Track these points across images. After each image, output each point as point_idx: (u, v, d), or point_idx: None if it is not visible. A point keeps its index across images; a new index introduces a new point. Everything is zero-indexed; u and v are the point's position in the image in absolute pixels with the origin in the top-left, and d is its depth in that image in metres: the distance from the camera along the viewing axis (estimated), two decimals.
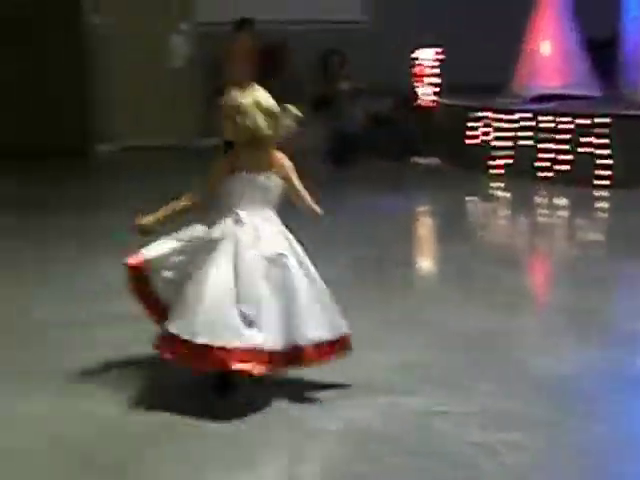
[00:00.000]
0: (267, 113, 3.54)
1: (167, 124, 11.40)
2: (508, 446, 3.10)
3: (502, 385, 3.65)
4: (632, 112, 8.28)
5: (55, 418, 3.41)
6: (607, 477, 2.99)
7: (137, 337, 4.01)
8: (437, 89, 10.13)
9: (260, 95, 3.58)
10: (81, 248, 6.15)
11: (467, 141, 9.28)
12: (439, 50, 10.07)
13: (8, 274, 5.55)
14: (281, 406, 3.47)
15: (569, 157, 8.32)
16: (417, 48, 10.21)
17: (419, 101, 10.24)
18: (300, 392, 3.58)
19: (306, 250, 3.65)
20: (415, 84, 10.30)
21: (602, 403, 3.49)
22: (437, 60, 10.12)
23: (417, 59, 10.26)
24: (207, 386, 3.54)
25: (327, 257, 5.78)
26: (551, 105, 8.82)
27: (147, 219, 3.65)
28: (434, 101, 10.13)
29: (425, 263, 6.24)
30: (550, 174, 8.42)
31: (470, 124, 9.24)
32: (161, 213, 3.66)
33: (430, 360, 3.96)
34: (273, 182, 3.61)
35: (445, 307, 4.79)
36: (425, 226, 7.57)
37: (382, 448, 3.13)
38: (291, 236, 3.63)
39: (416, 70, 10.30)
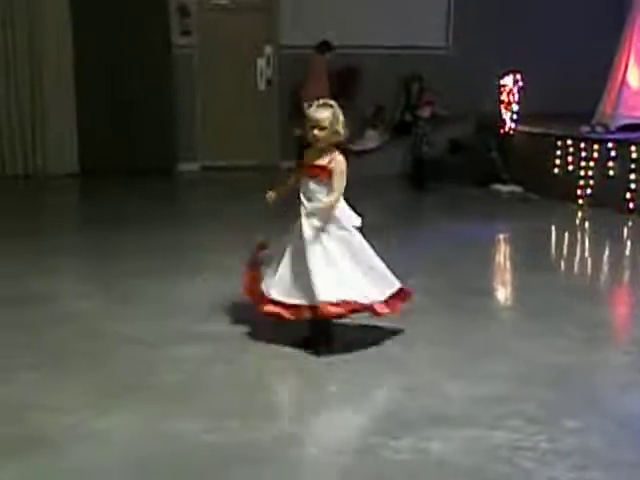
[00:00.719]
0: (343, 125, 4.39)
1: (250, 145, 11.55)
2: None
3: (586, 422, 3.54)
4: None
5: (136, 436, 3.44)
6: None
7: (217, 355, 4.02)
8: (518, 116, 10.01)
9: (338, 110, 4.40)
10: (163, 265, 6.25)
11: (552, 169, 9.14)
12: (520, 76, 9.96)
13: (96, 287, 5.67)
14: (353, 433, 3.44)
15: None
16: (501, 74, 10.13)
17: (504, 128, 10.14)
18: (375, 419, 3.54)
19: None
20: (500, 110, 10.20)
21: None
22: (518, 87, 10.01)
23: (502, 85, 10.17)
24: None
25: (407, 285, 5.79)
26: (637, 134, 8.64)
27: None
28: (516, 128, 10.01)
29: (506, 293, 6.13)
30: (638, 205, 8.22)
31: (555, 152, 9.11)
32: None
33: (512, 393, 3.87)
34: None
35: (527, 339, 4.69)
36: (504, 254, 7.45)
37: None
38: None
39: (501, 96, 10.21)
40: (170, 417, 3.59)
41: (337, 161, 4.42)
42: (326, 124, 4.38)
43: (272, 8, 11.60)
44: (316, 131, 4.40)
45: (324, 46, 10.76)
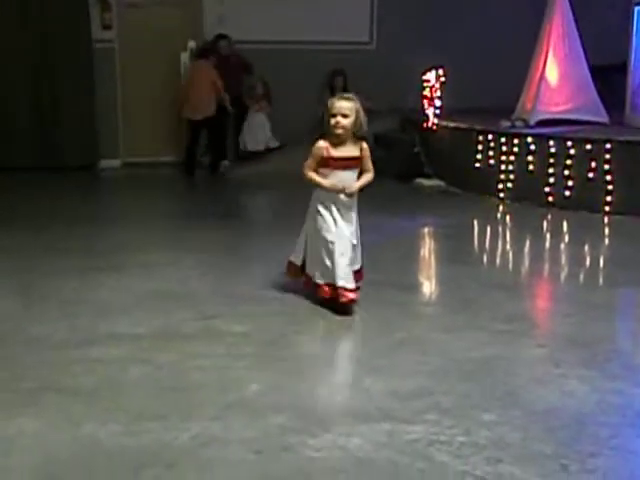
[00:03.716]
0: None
1: (172, 141, 11.42)
2: (505, 479, 3.04)
3: (503, 416, 3.59)
4: (638, 138, 8.24)
5: (44, 441, 3.36)
6: None
7: (134, 355, 3.95)
8: (440, 111, 10.11)
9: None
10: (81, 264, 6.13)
11: (473, 164, 9.26)
12: (443, 72, 10.06)
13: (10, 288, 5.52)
14: (273, 431, 3.42)
15: (576, 182, 8.29)
16: (424, 70, 10.21)
17: (427, 123, 10.22)
18: (296, 416, 3.53)
19: None
20: (423, 105, 10.28)
21: (605, 438, 3.42)
22: (440, 82, 10.11)
23: (425, 80, 10.25)
24: None
25: None
26: (559, 130, 8.80)
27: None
28: (439, 123, 10.11)
29: (428, 287, 6.18)
30: (557, 199, 8.39)
31: (476, 147, 9.22)
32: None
33: (430, 387, 3.90)
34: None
35: (447, 333, 4.73)
36: (428, 249, 7.52)
37: (380, 478, 3.07)
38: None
39: (423, 92, 10.28)
40: (82, 420, 3.51)
41: (364, 147, 4.95)
42: (348, 112, 4.76)
43: (196, 3, 11.48)
44: (340, 118, 4.76)
45: (206, 51, 10.81)
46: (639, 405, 3.73)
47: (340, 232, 4.96)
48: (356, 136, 4.89)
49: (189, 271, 6.02)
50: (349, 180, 4.95)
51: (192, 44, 11.25)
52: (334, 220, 4.97)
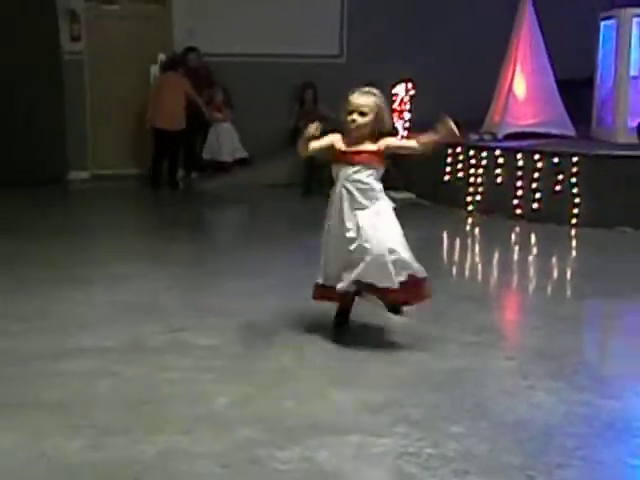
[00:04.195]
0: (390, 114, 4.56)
1: (141, 153, 11.37)
2: None
3: (471, 428, 3.59)
4: (605, 152, 8.34)
5: (8, 456, 3.31)
6: None
7: (102, 369, 3.91)
8: (410, 124, 10.15)
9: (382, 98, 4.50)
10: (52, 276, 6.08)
11: (442, 177, 9.31)
12: (412, 85, 10.12)
13: None
14: (241, 445, 3.39)
15: (544, 195, 8.36)
16: (393, 83, 10.25)
17: (396, 136, 10.24)
18: (264, 429, 3.51)
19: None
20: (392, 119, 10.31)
21: (572, 449, 3.43)
22: (410, 95, 10.16)
23: (395, 94, 10.29)
24: None
25: (298, 290, 5.79)
26: (526, 143, 8.88)
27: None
28: (407, 136, 10.13)
29: None
30: (525, 211, 8.45)
31: (445, 160, 9.27)
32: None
33: (399, 399, 3.90)
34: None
35: (417, 345, 4.73)
36: None
37: None
38: None
39: (393, 105, 10.32)
40: (48, 435, 3.46)
41: (388, 140, 4.47)
42: (366, 110, 4.31)
43: (165, 16, 11.46)
44: (355, 115, 4.33)
45: (172, 62, 10.80)
46: (606, 416, 3.75)
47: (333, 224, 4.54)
48: (379, 134, 4.41)
49: (157, 284, 5.99)
50: (357, 180, 4.41)
51: (162, 57, 11.23)
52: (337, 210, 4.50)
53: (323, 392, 3.98)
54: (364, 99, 4.36)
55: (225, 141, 11.19)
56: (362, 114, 4.33)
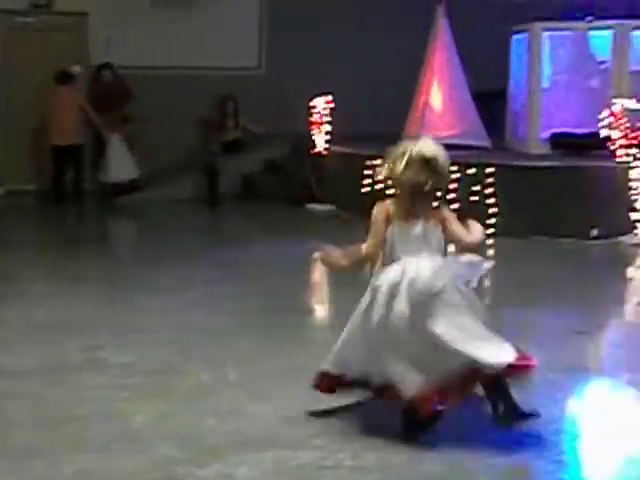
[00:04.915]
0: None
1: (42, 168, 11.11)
2: None
3: (391, 438, 3.60)
4: (519, 163, 8.54)
5: None
6: None
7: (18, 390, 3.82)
8: (330, 137, 10.25)
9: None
10: None
11: (362, 188, 9.37)
12: (331, 98, 10.21)
13: None
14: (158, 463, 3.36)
15: (460, 205, 8.48)
16: (312, 96, 10.33)
17: (315, 148, 10.32)
18: (182, 447, 3.48)
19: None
20: (311, 131, 10.39)
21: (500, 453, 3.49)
22: (329, 108, 10.25)
23: (313, 107, 10.37)
24: None
25: (218, 305, 5.77)
26: None
27: (333, 256, 3.96)
28: (328, 149, 10.23)
29: (317, 311, 6.22)
30: None
31: (364, 172, 9.34)
32: (343, 259, 3.95)
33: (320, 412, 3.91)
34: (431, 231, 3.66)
35: None
36: (318, 273, 7.55)
37: None
38: None
39: (312, 118, 10.40)
40: None
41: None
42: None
43: (81, 29, 11.30)
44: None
45: (63, 76, 10.67)
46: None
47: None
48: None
49: (71, 301, 5.89)
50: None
51: (77, 69, 11.05)
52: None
53: (242, 407, 3.97)
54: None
55: (120, 160, 10.75)
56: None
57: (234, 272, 6.91)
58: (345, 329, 3.80)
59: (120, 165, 10.69)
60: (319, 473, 3.29)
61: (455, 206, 8.46)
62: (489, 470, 3.32)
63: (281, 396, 4.11)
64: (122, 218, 10.14)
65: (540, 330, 5.58)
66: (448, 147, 9.44)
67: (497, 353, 3.48)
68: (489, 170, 8.37)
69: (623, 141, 8.05)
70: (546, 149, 9.13)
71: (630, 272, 7.28)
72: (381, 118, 10.39)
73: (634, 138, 8.00)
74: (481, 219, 8.10)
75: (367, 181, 9.32)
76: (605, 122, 8.18)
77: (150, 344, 4.89)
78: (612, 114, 8.12)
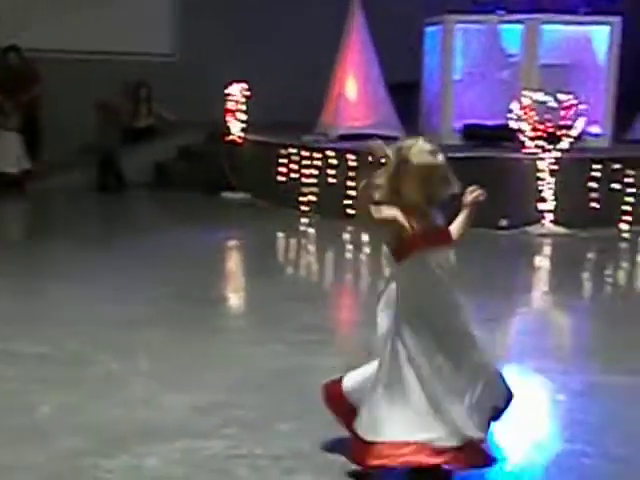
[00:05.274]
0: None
1: None
2: None
3: (300, 426, 3.64)
4: None
5: None
6: None
7: None
8: (245, 125, 10.20)
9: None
10: None
11: (277, 177, 9.37)
12: (246, 86, 10.15)
13: None
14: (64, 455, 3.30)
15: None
16: (228, 83, 10.25)
17: (230, 136, 10.25)
18: (89, 438, 3.43)
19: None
20: (227, 119, 10.31)
21: None
22: (245, 96, 10.20)
23: (229, 94, 10.29)
24: None
25: (130, 295, 5.70)
26: (358, 144, 9.03)
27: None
28: (244, 137, 10.18)
29: (231, 300, 6.19)
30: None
31: (279, 160, 9.35)
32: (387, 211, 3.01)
33: (229, 401, 3.90)
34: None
35: (249, 346, 4.76)
36: (232, 262, 7.54)
37: None
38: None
39: (227, 105, 10.32)
40: None
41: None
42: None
43: None
44: None
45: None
46: None
47: None
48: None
49: None
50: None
51: None
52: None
53: (153, 397, 3.93)
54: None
55: (8, 150, 10.38)
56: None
57: (147, 261, 6.82)
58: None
59: (9, 156, 10.38)
60: (229, 462, 3.29)
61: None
62: None
63: (193, 386, 4.09)
64: (27, 207, 9.89)
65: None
66: (363, 137, 9.60)
67: None
68: None
69: (532, 133, 8.23)
70: (458, 140, 9.27)
71: (537, 261, 7.48)
72: (297, 107, 10.37)
73: (542, 130, 8.19)
74: None
75: (282, 170, 9.33)
76: (514, 114, 8.34)
77: (63, 335, 4.79)
78: (521, 106, 8.29)
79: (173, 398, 3.91)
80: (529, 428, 3.70)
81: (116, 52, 11.24)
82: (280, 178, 9.37)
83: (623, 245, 8.10)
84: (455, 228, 3.28)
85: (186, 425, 3.62)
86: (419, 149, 3.08)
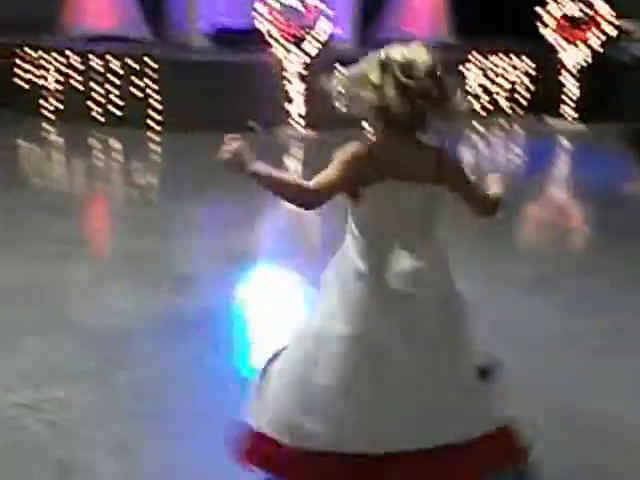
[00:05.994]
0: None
1: None
2: (55, 403, 3.06)
3: (51, 339, 3.57)
4: (181, 56, 8.48)
5: None
6: (148, 416, 3.05)
7: None
8: None
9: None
10: None
11: (16, 81, 8.78)
12: None
13: None
14: None
15: (124, 100, 8.30)
16: None
17: None
18: None
19: None
20: None
21: (151, 348, 3.56)
22: None
23: None
24: None
25: None
26: (102, 46, 8.65)
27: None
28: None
29: None
30: (103, 117, 8.36)
31: (18, 63, 8.74)
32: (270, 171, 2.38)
33: None
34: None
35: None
36: None
37: None
38: None
39: None
40: None
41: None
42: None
43: None
44: None
45: None
46: (186, 317, 3.91)
47: None
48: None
49: None
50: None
51: None
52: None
53: None
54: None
55: None
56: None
57: None
58: None
59: None
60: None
61: (120, 100, 8.27)
62: None
63: None
64: None
65: (208, 221, 5.73)
66: (108, 39, 9.16)
67: None
68: (150, 63, 8.20)
69: (278, 35, 8.25)
70: (206, 42, 9.12)
71: (286, 161, 7.61)
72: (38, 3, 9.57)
73: (289, 33, 8.24)
74: (143, 113, 8.12)
75: (20, 73, 8.74)
76: (261, 16, 8.30)
77: None
78: (268, 8, 8.26)
79: None
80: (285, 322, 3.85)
81: None
82: (19, 82, 8.77)
83: None
84: None
85: None
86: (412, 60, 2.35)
